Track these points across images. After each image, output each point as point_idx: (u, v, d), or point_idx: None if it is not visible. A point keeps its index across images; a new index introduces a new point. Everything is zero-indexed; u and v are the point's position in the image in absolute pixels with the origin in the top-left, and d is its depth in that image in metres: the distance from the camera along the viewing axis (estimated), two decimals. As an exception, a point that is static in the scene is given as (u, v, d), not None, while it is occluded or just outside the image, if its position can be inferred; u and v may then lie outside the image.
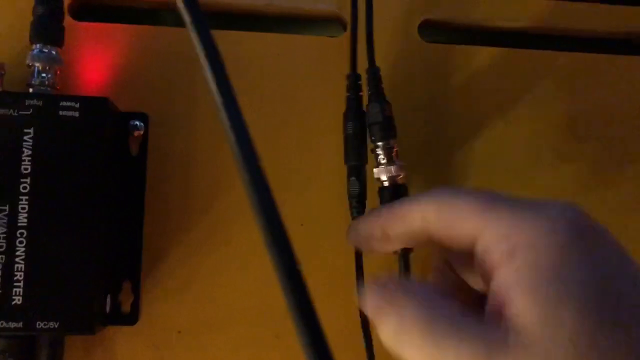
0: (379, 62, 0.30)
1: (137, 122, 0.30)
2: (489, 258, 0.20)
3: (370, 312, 0.21)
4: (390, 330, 0.20)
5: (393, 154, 0.28)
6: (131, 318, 0.29)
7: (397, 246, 0.25)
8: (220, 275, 0.30)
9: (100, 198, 0.27)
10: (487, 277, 0.20)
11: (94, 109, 0.27)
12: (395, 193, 0.28)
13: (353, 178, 0.29)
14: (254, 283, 0.30)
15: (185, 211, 0.30)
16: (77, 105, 0.27)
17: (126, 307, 0.29)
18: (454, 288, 0.24)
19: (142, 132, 0.30)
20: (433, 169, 0.32)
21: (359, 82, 0.30)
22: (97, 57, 0.30)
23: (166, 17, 0.33)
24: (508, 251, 0.19)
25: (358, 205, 0.29)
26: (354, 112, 0.30)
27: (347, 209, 0.29)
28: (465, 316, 0.20)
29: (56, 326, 0.26)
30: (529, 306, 0.18)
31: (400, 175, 0.28)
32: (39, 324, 0.26)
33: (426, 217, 0.22)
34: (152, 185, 0.30)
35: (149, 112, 0.30)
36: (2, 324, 0.25)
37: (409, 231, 0.23)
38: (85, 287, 0.26)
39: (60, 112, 0.26)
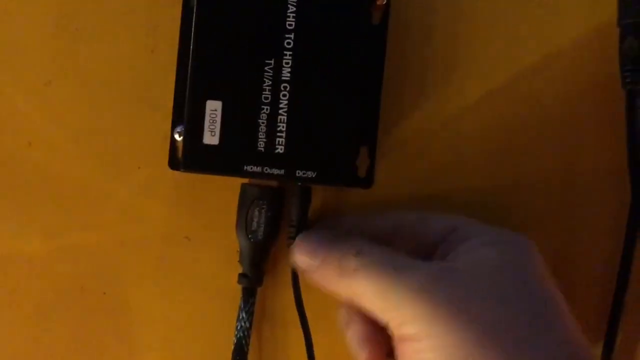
0: None
1: (381, -10, 0.30)
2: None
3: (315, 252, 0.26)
4: (349, 267, 0.24)
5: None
6: (367, 181, 0.30)
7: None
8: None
9: (360, 57, 0.27)
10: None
11: (356, -32, 0.27)
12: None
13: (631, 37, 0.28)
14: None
15: (423, 82, 0.31)
16: (341, -36, 0.27)
17: (362, 172, 0.30)
18: None
19: (385, 1, 0.30)
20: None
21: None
22: None
23: None
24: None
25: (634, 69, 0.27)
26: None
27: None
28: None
29: (314, 175, 0.27)
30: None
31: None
32: (299, 172, 0.27)
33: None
34: (392, 54, 0.30)
35: (391, -20, 0.30)
36: (266, 169, 0.27)
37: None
38: (342, 142, 0.27)
39: (325, -30, 0.27)
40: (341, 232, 0.27)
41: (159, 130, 0.30)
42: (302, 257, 0.27)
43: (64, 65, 0.30)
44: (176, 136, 0.29)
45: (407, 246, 0.26)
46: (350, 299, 0.25)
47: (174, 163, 0.29)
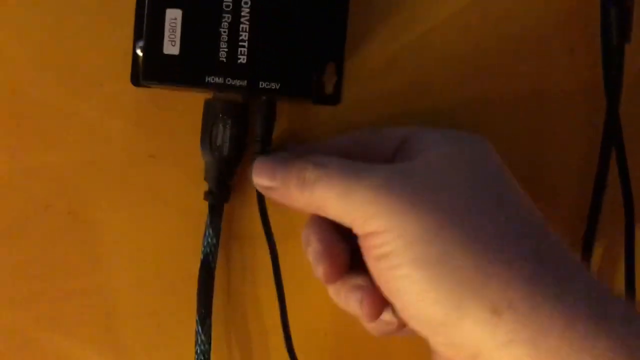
0: None
1: None
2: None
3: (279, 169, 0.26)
4: (310, 177, 0.24)
5: None
6: (334, 98, 0.30)
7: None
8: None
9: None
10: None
11: None
12: None
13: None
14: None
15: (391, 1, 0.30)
16: None
17: (329, 89, 0.30)
18: None
19: None
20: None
21: None
22: None
23: None
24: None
25: None
26: None
27: None
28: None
29: (277, 87, 0.27)
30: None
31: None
32: (262, 84, 0.27)
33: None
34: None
35: None
36: (228, 80, 0.27)
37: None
38: (306, 54, 0.27)
39: None
40: (298, 153, 0.27)
41: (121, 46, 0.29)
42: (261, 179, 0.27)
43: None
44: (138, 51, 0.28)
45: (362, 158, 0.26)
46: (314, 210, 0.25)
47: (136, 79, 0.29)
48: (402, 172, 0.23)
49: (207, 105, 0.29)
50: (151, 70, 0.26)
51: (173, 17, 0.26)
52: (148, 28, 0.26)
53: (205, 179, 0.29)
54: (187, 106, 0.29)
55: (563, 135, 0.31)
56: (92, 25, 0.29)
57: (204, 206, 0.29)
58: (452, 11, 0.30)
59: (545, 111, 0.31)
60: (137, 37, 0.29)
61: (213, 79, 0.27)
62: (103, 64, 0.29)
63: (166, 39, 0.26)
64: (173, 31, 0.26)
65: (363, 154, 0.26)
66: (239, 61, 0.27)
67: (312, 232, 0.26)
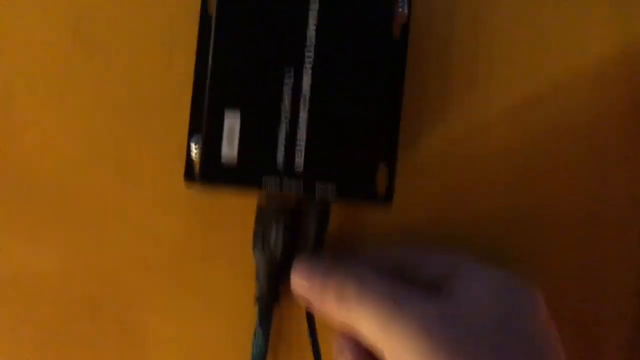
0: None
1: (402, 4, 0.30)
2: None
3: (317, 283, 0.25)
4: (350, 295, 0.24)
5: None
6: (386, 198, 0.29)
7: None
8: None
9: (380, 72, 0.27)
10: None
11: (379, -20, 0.27)
12: None
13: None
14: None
15: (444, 100, 0.30)
16: (364, -25, 0.27)
17: (380, 189, 0.30)
18: None
19: (405, 15, 0.30)
20: None
21: None
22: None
23: None
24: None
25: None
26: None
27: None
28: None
29: (334, 189, 0.26)
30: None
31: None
32: (318, 186, 0.26)
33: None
34: (411, 68, 0.30)
35: (411, -5, 0.30)
36: (285, 183, 0.26)
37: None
38: (362, 157, 0.27)
39: (347, -19, 0.27)
40: (341, 258, 0.27)
41: (174, 143, 0.29)
42: (300, 280, 0.26)
43: (78, 76, 0.29)
44: (192, 147, 0.28)
45: (408, 277, 0.26)
46: (347, 327, 0.25)
47: (190, 175, 0.29)
48: (444, 315, 0.23)
49: (260, 211, 0.28)
50: (208, 171, 0.26)
51: (232, 120, 0.26)
52: (206, 130, 0.26)
53: (256, 280, 0.28)
54: (239, 205, 0.29)
55: (616, 259, 0.30)
56: (146, 121, 0.29)
57: (254, 309, 0.28)
58: (503, 111, 0.30)
59: (599, 223, 0.30)
60: (191, 133, 0.29)
61: (270, 181, 0.26)
62: (156, 159, 0.29)
63: (224, 142, 0.26)
64: (231, 134, 0.26)
65: (408, 272, 0.26)
66: (295, 164, 0.26)
67: (346, 344, 0.26)
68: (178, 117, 0.29)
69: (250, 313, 0.28)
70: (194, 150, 0.28)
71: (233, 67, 0.26)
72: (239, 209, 0.29)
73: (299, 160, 0.26)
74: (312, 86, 0.26)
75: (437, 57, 0.30)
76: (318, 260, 0.27)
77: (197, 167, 0.27)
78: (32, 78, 0.29)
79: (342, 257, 0.28)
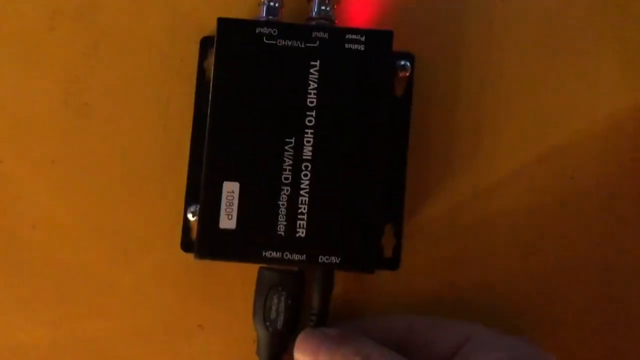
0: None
1: (404, 62, 0.29)
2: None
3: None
4: None
5: None
6: (393, 263, 0.28)
7: None
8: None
9: (382, 135, 0.26)
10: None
11: (379, 42, 0.26)
12: None
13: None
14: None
15: (449, 157, 0.29)
16: (363, 39, 0.26)
17: (387, 252, 0.28)
18: None
19: (408, 73, 0.29)
20: None
21: None
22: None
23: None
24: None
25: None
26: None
27: None
28: None
29: (337, 261, 0.25)
30: None
31: None
32: (321, 258, 0.25)
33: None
34: (416, 128, 0.29)
35: (414, 51, 0.29)
36: (287, 255, 0.25)
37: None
38: (367, 224, 0.26)
39: (346, 45, 0.26)
40: (348, 333, 0.25)
41: (169, 212, 0.28)
42: (303, 357, 0.25)
43: (71, 143, 0.28)
44: (189, 216, 0.27)
45: (419, 352, 0.25)
46: None
47: (187, 245, 0.28)
48: None
49: (261, 273, 0.27)
50: (206, 246, 0.25)
51: (230, 190, 0.25)
52: (204, 201, 0.25)
53: (257, 353, 0.27)
54: (238, 273, 0.28)
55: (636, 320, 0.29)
56: (139, 189, 0.28)
57: (254, 383, 0.27)
58: (511, 170, 0.29)
59: (617, 287, 0.29)
60: (188, 201, 0.28)
61: (270, 253, 0.25)
62: (151, 229, 0.28)
63: (222, 213, 0.25)
64: (230, 205, 0.25)
65: (419, 344, 0.25)
66: (297, 235, 0.25)
67: None
68: (174, 184, 0.28)
69: (251, 388, 0.27)
70: (191, 219, 0.27)
71: (231, 137, 0.25)
72: (238, 275, 0.28)
73: (301, 231, 0.25)
74: (314, 152, 0.25)
75: (442, 115, 0.29)
76: (321, 335, 0.25)
77: (194, 237, 0.26)
78: (22, 141, 0.28)
79: (346, 329, 0.26)
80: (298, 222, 0.25)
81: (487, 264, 0.29)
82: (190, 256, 0.27)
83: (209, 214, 0.25)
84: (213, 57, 0.26)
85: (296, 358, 0.25)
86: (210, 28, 0.27)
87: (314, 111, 0.26)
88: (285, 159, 0.25)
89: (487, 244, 0.29)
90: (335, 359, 0.24)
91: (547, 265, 0.29)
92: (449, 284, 0.29)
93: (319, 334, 0.25)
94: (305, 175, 0.25)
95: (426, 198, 0.29)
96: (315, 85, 0.26)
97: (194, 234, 0.27)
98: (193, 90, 0.28)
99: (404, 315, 0.27)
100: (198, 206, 0.26)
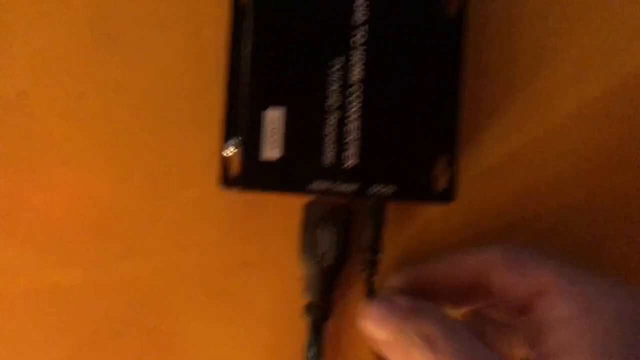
0: None
1: (456, -23, 0.26)
2: (553, 315, 0.21)
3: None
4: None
5: None
6: (447, 195, 0.26)
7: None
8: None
9: (434, 54, 0.24)
10: (537, 335, 0.21)
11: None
12: None
13: None
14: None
15: (505, 84, 0.27)
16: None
17: (441, 185, 0.27)
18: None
19: (461, -11, 0.26)
20: None
21: None
22: None
23: None
24: (581, 311, 0.20)
25: None
26: None
27: None
28: None
29: (392, 191, 0.24)
30: None
31: None
32: (374, 188, 0.24)
33: (493, 260, 0.23)
34: (470, 51, 0.27)
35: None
36: (336, 186, 0.24)
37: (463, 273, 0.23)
38: (421, 151, 0.24)
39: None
40: (418, 305, 0.23)
41: (205, 145, 0.26)
42: (371, 327, 0.23)
43: (98, 76, 0.27)
44: (230, 149, 0.26)
45: (491, 303, 0.23)
46: None
47: (227, 180, 0.26)
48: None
49: (308, 208, 0.25)
50: (250, 177, 0.24)
51: (274, 117, 0.23)
52: (246, 130, 0.24)
53: (305, 291, 0.26)
54: (283, 208, 0.26)
55: None
56: (172, 124, 0.27)
57: (303, 322, 0.25)
58: (573, 98, 0.27)
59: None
60: (227, 134, 0.26)
61: (319, 184, 0.24)
62: (186, 164, 0.27)
63: (266, 142, 0.24)
64: (274, 133, 0.24)
65: (489, 296, 0.23)
66: (347, 163, 0.24)
67: None
68: (208, 117, 0.26)
69: (296, 327, 0.26)
70: (231, 153, 0.26)
71: (274, 60, 0.23)
72: (283, 209, 0.26)
73: (351, 160, 0.24)
74: (362, 75, 0.24)
75: (498, 36, 0.27)
76: (391, 307, 0.23)
77: (234, 170, 0.24)
78: (48, 77, 0.27)
79: (413, 281, 0.25)
80: (347, 150, 0.24)
81: (544, 196, 0.27)
82: (230, 193, 0.26)
83: (252, 143, 0.24)
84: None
85: (361, 324, 0.24)
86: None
87: (361, 30, 0.24)
88: (332, 82, 0.23)
89: (546, 179, 0.27)
90: (400, 338, 0.22)
91: (614, 195, 0.27)
92: (506, 218, 0.27)
93: (387, 304, 0.24)
94: (353, 99, 0.24)
95: (480, 129, 0.27)
96: (363, 1, 0.23)
97: (232, 168, 0.25)
98: (226, 14, 0.25)
99: (468, 258, 0.24)
100: (237, 138, 0.24)
